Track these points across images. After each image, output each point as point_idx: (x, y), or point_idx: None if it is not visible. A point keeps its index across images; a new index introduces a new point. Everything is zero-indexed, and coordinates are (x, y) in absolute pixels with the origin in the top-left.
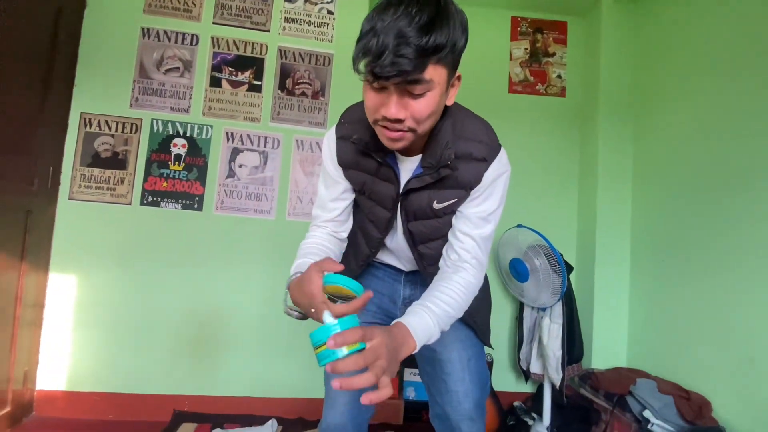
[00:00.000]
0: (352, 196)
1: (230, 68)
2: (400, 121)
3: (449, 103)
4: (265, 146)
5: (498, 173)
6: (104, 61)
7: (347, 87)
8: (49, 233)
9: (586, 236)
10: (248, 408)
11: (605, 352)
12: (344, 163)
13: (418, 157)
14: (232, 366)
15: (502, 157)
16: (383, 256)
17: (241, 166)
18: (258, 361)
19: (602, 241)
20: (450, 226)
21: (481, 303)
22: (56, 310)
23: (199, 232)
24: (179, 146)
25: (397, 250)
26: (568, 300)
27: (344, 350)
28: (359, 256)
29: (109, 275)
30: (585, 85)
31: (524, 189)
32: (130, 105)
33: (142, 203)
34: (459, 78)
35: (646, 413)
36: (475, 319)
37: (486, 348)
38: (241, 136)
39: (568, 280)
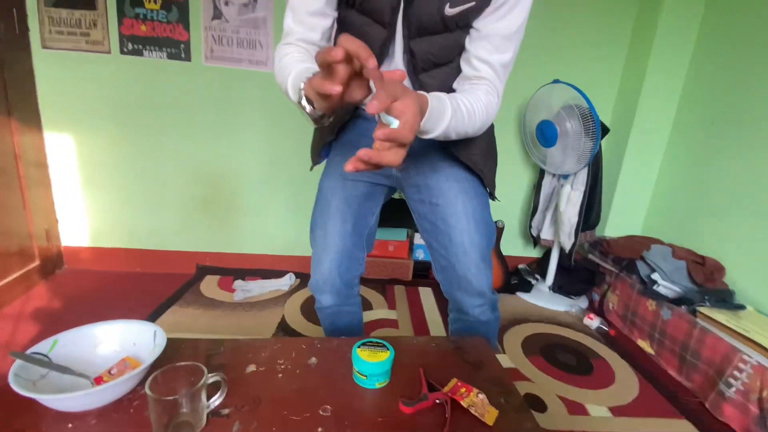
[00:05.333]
0: (335, 13)
1: None
2: None
3: None
4: None
5: None
6: None
7: None
8: (32, 87)
9: (628, 97)
10: (267, 263)
11: (621, 220)
12: None
13: None
14: (247, 225)
15: None
16: None
17: (227, 3)
18: (272, 220)
19: (646, 99)
20: (460, 48)
21: (488, 151)
22: (61, 170)
23: (191, 85)
24: None
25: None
26: (595, 165)
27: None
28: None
29: (105, 134)
30: None
31: (564, 38)
32: None
33: (122, 52)
34: None
35: (654, 275)
36: (481, 168)
37: (496, 217)
38: None
39: (600, 144)
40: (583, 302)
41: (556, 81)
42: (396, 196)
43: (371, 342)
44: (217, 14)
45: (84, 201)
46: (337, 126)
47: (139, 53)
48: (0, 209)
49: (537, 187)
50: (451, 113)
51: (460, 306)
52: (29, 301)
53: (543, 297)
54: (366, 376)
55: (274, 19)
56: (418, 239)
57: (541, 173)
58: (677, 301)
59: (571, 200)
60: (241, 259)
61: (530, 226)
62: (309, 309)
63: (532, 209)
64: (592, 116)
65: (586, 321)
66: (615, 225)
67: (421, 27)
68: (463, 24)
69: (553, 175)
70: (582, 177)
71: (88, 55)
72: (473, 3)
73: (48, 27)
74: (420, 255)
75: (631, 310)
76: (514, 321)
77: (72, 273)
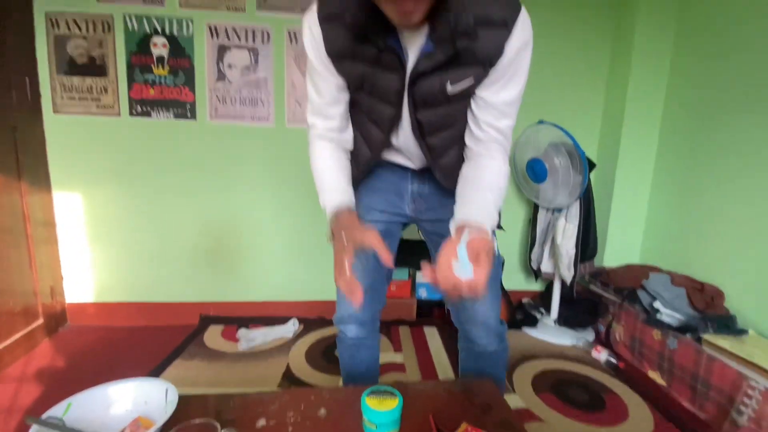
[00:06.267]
0: (348, 95)
1: None
2: None
3: None
4: (254, 41)
5: (522, 43)
6: None
7: None
8: (42, 150)
9: (611, 129)
10: (271, 311)
11: (618, 250)
12: (335, 54)
13: (425, 28)
14: (251, 273)
15: (525, 20)
16: (388, 155)
17: (230, 66)
18: (275, 267)
19: (628, 135)
20: (463, 111)
21: None
22: (68, 228)
23: (196, 142)
24: (159, 46)
25: (404, 147)
26: (586, 199)
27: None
28: (360, 160)
29: (113, 191)
30: None
31: (546, 81)
32: None
33: (131, 114)
34: None
35: (656, 304)
36: None
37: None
38: (226, 31)
39: (588, 178)
40: (589, 334)
41: (540, 122)
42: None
43: (379, 390)
44: (221, 76)
45: (89, 257)
46: (354, 182)
47: (147, 114)
48: (7, 269)
49: (533, 221)
50: (496, 213)
51: (468, 335)
52: (33, 360)
53: (549, 331)
54: (376, 426)
55: (274, 79)
56: (420, 278)
57: (535, 207)
58: (681, 329)
59: (567, 233)
60: (244, 307)
61: (530, 260)
62: (314, 356)
63: (530, 243)
64: (578, 153)
65: (594, 354)
66: (613, 255)
67: (426, 102)
68: (466, 95)
69: (547, 209)
70: (575, 210)
71: (98, 118)
72: (472, 81)
73: (60, 93)
74: (423, 294)
75: (638, 341)
76: (523, 358)
77: (75, 330)
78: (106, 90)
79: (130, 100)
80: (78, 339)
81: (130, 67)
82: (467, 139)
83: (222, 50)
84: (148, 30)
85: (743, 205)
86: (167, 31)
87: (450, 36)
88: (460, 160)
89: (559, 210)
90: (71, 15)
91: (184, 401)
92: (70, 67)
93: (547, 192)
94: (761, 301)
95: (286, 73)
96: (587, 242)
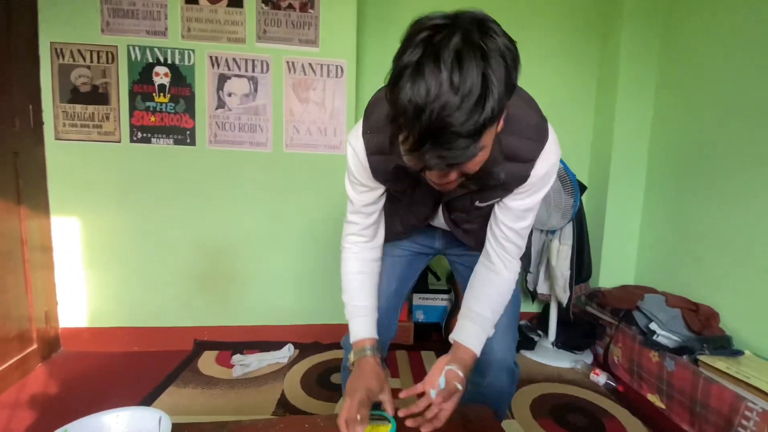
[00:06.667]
0: (384, 197)
1: None
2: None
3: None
4: (253, 71)
5: (547, 166)
6: None
7: None
8: (43, 175)
9: (601, 153)
10: (266, 335)
11: (613, 271)
12: (380, 178)
13: None
14: (246, 297)
15: (550, 148)
16: None
17: (230, 94)
18: (271, 292)
19: (618, 158)
20: (492, 207)
21: None
22: (65, 253)
23: (195, 167)
24: (161, 75)
25: (438, 225)
26: (579, 220)
27: None
28: (393, 230)
29: (111, 216)
30: None
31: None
32: (102, 30)
33: (132, 140)
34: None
35: (652, 325)
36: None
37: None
38: (226, 60)
39: (580, 200)
40: (587, 357)
41: None
42: None
43: (373, 416)
44: (221, 104)
45: (85, 281)
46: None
47: (147, 141)
48: (3, 294)
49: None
50: (490, 330)
51: (479, 368)
52: (26, 386)
53: (547, 354)
54: None
55: (273, 105)
56: (417, 300)
57: None
58: (678, 351)
59: (561, 254)
60: (240, 332)
61: (526, 281)
62: (309, 382)
63: (526, 264)
64: (569, 176)
65: (593, 377)
66: (608, 276)
67: (458, 210)
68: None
69: (541, 230)
70: (568, 232)
71: (99, 144)
72: (499, 199)
73: (62, 121)
74: (420, 317)
75: (636, 363)
76: (521, 382)
77: (69, 355)
78: (107, 117)
79: (131, 127)
80: (71, 365)
81: (131, 95)
82: (488, 228)
83: (222, 79)
84: (150, 60)
85: (735, 225)
86: (169, 60)
87: (482, 178)
88: None
89: (553, 232)
90: (76, 45)
91: (177, 430)
92: (73, 95)
93: (540, 214)
94: (756, 322)
95: (284, 100)
96: (582, 264)
